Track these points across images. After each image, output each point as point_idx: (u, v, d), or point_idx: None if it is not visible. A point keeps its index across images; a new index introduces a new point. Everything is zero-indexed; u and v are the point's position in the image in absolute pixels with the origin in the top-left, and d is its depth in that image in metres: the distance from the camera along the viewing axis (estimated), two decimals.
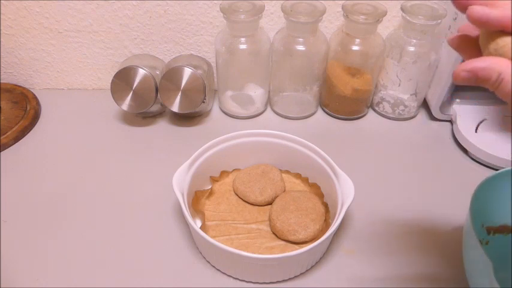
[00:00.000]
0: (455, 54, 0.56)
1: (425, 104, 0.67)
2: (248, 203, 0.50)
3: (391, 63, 0.61)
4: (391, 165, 0.58)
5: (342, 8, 0.56)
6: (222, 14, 0.56)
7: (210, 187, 0.52)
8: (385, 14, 0.56)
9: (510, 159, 0.56)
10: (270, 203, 0.50)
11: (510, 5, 0.27)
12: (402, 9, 0.56)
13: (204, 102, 0.59)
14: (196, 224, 0.45)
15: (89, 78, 0.70)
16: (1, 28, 0.63)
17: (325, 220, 0.47)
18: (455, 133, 0.62)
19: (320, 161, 0.49)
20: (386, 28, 0.64)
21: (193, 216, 0.47)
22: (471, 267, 0.38)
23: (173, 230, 0.49)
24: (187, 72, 0.57)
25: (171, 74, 0.58)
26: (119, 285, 0.43)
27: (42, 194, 0.53)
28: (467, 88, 0.61)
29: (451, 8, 0.57)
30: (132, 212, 0.51)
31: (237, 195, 0.51)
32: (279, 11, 0.61)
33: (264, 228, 0.47)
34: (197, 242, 0.46)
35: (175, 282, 0.44)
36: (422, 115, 0.67)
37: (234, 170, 0.54)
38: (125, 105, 0.60)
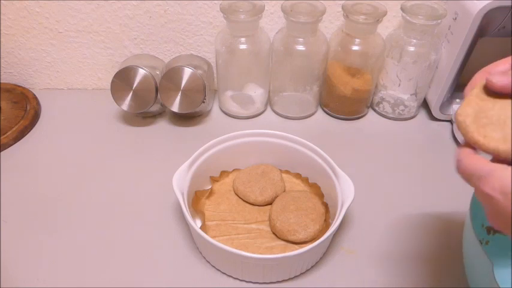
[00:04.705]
0: (455, 54, 0.56)
1: (425, 104, 0.67)
2: (248, 203, 0.50)
3: (391, 63, 0.61)
4: (391, 165, 0.58)
5: (342, 8, 0.56)
6: (222, 14, 0.56)
7: (210, 187, 0.52)
8: (385, 14, 0.56)
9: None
10: (270, 203, 0.50)
11: None
12: (402, 9, 0.56)
13: (204, 102, 0.59)
14: (196, 224, 0.45)
15: (89, 78, 0.70)
16: (1, 28, 0.63)
17: (325, 220, 0.47)
18: (455, 133, 0.62)
19: (320, 161, 0.49)
20: (386, 28, 0.64)
21: (193, 216, 0.47)
22: (471, 267, 0.38)
23: (173, 230, 0.49)
24: (187, 72, 0.57)
25: (171, 74, 0.58)
26: (119, 285, 0.43)
27: (42, 194, 0.53)
28: None
29: (451, 8, 0.57)
30: (132, 212, 0.51)
31: (237, 195, 0.51)
32: (279, 11, 0.61)
33: (264, 228, 0.47)
34: (197, 242, 0.46)
35: (175, 282, 0.44)
36: (422, 115, 0.67)
37: (234, 170, 0.54)
38: (125, 105, 0.60)
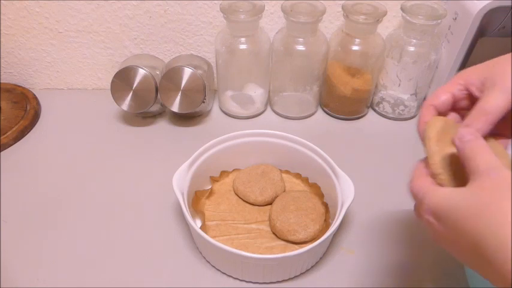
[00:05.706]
0: (455, 54, 0.56)
1: None
2: (248, 203, 0.50)
3: (391, 63, 0.61)
4: (391, 165, 0.58)
5: (342, 8, 0.56)
6: (222, 14, 0.56)
7: (210, 187, 0.52)
8: (385, 14, 0.56)
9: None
10: (270, 203, 0.50)
11: None
12: (402, 9, 0.56)
13: (204, 102, 0.59)
14: (196, 224, 0.45)
15: (89, 78, 0.70)
16: (1, 28, 0.63)
17: (325, 220, 0.47)
18: None
19: (320, 161, 0.49)
20: (386, 28, 0.64)
21: (193, 216, 0.47)
22: None
23: (173, 230, 0.49)
24: (187, 72, 0.57)
25: (171, 74, 0.58)
26: (119, 285, 0.43)
27: (42, 194, 0.53)
28: None
29: (451, 8, 0.57)
30: (132, 212, 0.51)
31: (237, 195, 0.51)
32: (279, 11, 0.61)
33: (264, 228, 0.47)
34: (197, 242, 0.46)
35: (175, 282, 0.44)
36: None
37: (234, 170, 0.54)
38: (125, 105, 0.60)
